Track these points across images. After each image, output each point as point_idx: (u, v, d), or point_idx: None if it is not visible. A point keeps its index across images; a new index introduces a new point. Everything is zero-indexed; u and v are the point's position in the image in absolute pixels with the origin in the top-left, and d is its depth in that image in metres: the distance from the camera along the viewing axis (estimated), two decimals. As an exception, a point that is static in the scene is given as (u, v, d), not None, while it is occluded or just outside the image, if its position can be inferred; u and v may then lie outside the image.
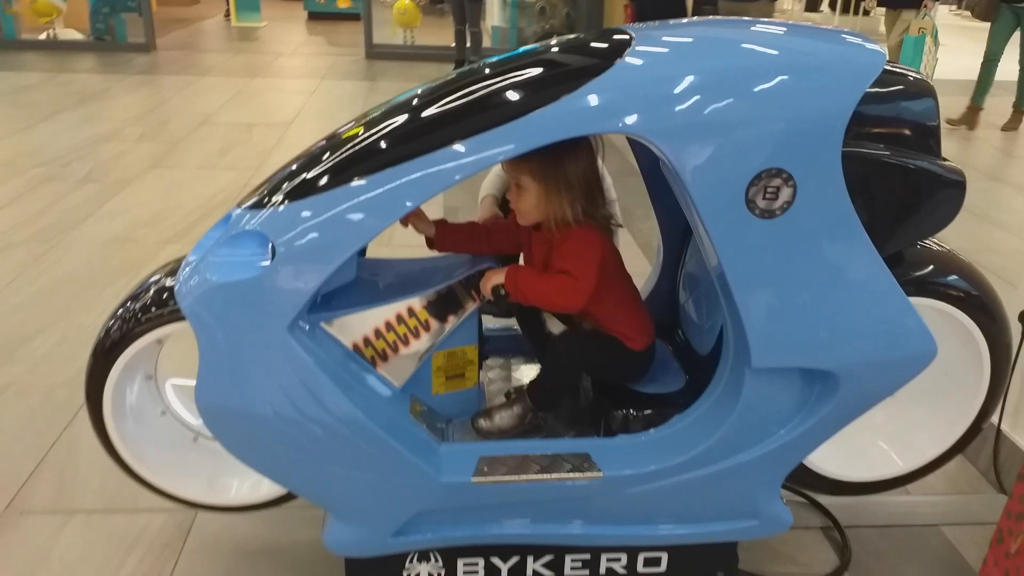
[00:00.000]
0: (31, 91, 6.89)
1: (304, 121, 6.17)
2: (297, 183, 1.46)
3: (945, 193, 1.58)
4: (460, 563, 1.79)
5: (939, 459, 1.92)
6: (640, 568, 1.82)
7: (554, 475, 1.63)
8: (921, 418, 1.95)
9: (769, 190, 1.43)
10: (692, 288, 1.95)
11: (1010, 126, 6.50)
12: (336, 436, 1.52)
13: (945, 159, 1.61)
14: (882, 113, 1.56)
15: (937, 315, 1.77)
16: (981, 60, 6.42)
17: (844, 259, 1.50)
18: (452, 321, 1.71)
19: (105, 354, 1.67)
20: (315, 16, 11.91)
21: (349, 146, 1.47)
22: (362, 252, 1.71)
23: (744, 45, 1.49)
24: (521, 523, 1.72)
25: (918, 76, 1.62)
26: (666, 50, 1.49)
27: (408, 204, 1.43)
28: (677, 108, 1.40)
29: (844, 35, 1.57)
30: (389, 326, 1.66)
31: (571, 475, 1.63)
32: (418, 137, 1.44)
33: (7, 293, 3.26)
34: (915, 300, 1.70)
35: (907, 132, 1.56)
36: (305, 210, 1.43)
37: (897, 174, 1.53)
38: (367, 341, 1.65)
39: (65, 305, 3.13)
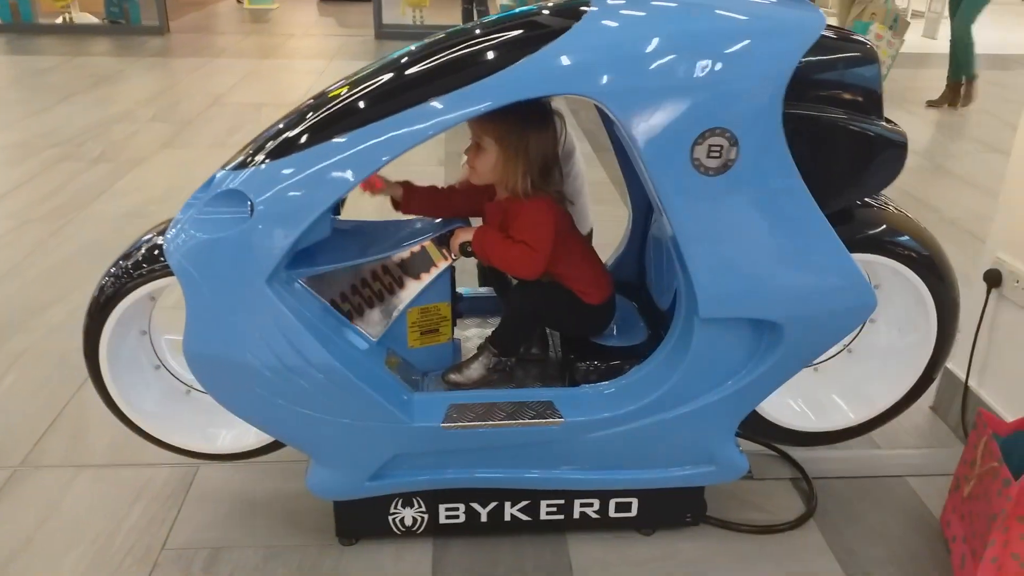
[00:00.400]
0: (48, 74, 7.06)
1: (312, 100, 6.26)
2: (278, 143, 1.57)
3: (887, 153, 1.66)
4: (442, 508, 1.90)
5: (891, 410, 2.01)
6: (612, 513, 1.94)
7: (518, 421, 1.74)
8: (873, 371, 2.04)
9: (713, 149, 1.52)
10: (655, 249, 2.05)
11: (939, 103, 6.31)
12: (313, 383, 1.64)
13: (889, 120, 1.69)
14: (825, 75, 1.64)
15: (888, 272, 1.86)
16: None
17: (785, 215, 1.58)
18: (424, 278, 1.82)
19: (99, 310, 1.80)
20: (328, -2, 11.99)
21: (330, 105, 1.58)
22: (336, 212, 1.81)
23: (689, 11, 1.57)
24: (492, 468, 1.84)
25: (862, 41, 1.69)
26: (617, 17, 1.57)
27: (384, 159, 1.53)
28: (624, 71, 1.50)
29: (787, 1, 1.64)
30: (364, 282, 1.78)
31: (534, 421, 1.74)
32: (391, 96, 1.54)
33: (24, 266, 3.41)
34: (866, 257, 1.80)
35: (849, 94, 1.64)
36: (284, 168, 1.55)
37: (838, 134, 1.61)
38: (344, 296, 1.77)
39: (78, 277, 3.28)
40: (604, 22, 1.55)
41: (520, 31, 1.58)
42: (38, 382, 2.60)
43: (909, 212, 1.93)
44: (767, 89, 1.51)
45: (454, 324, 1.94)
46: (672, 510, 1.96)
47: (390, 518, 1.90)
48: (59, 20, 9.04)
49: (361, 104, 1.55)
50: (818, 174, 1.60)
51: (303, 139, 1.55)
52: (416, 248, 1.80)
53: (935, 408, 2.51)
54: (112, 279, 1.80)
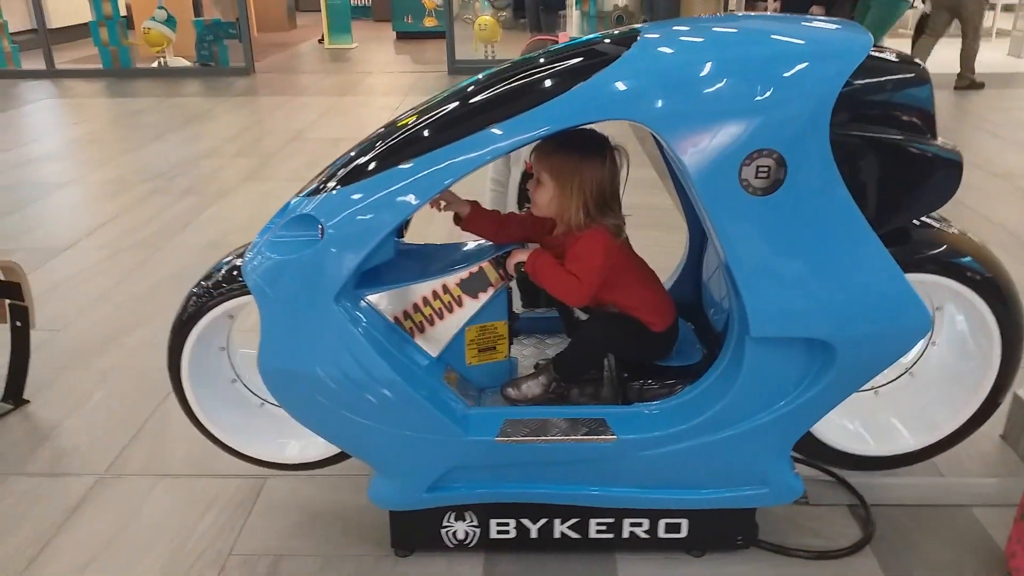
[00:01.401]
0: (143, 114, 7.51)
1: (386, 135, 6.48)
2: (348, 170, 1.68)
3: (941, 173, 1.66)
4: (492, 523, 1.95)
5: (953, 435, 1.97)
6: (661, 533, 1.95)
7: (571, 437, 1.78)
8: (935, 395, 2.00)
9: (761, 169, 1.55)
10: (711, 270, 2.07)
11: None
12: (375, 396, 1.72)
13: (941, 140, 1.69)
14: (877, 96, 1.65)
15: (949, 293, 1.84)
16: None
17: (836, 234, 1.60)
18: (482, 298, 1.89)
19: (182, 327, 1.93)
20: (403, 36, 12.40)
21: (397, 134, 1.68)
22: (400, 235, 1.91)
23: (734, 35, 1.62)
24: (544, 484, 1.88)
25: (915, 62, 1.71)
26: (664, 43, 1.64)
27: (447, 182, 1.62)
28: (669, 96, 1.55)
29: (831, 23, 1.67)
30: (426, 301, 1.86)
31: (587, 438, 1.78)
32: (453, 124, 1.64)
33: (115, 292, 3.63)
34: (926, 277, 1.79)
35: (902, 114, 1.65)
36: (353, 194, 1.65)
37: (890, 154, 1.63)
38: (406, 314, 1.85)
39: (163, 302, 3.47)
40: (652, 49, 1.61)
41: (577, 59, 1.65)
42: (123, 397, 2.77)
43: (974, 233, 1.91)
44: (812, 110, 1.54)
45: (511, 343, 2.00)
46: (723, 532, 1.96)
47: (443, 531, 1.96)
48: (155, 64, 9.60)
49: (425, 132, 1.65)
50: (871, 194, 1.62)
51: (371, 166, 1.65)
52: (475, 268, 1.87)
53: (1005, 436, 2.43)
54: (194, 298, 1.93)
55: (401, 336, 1.84)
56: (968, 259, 1.83)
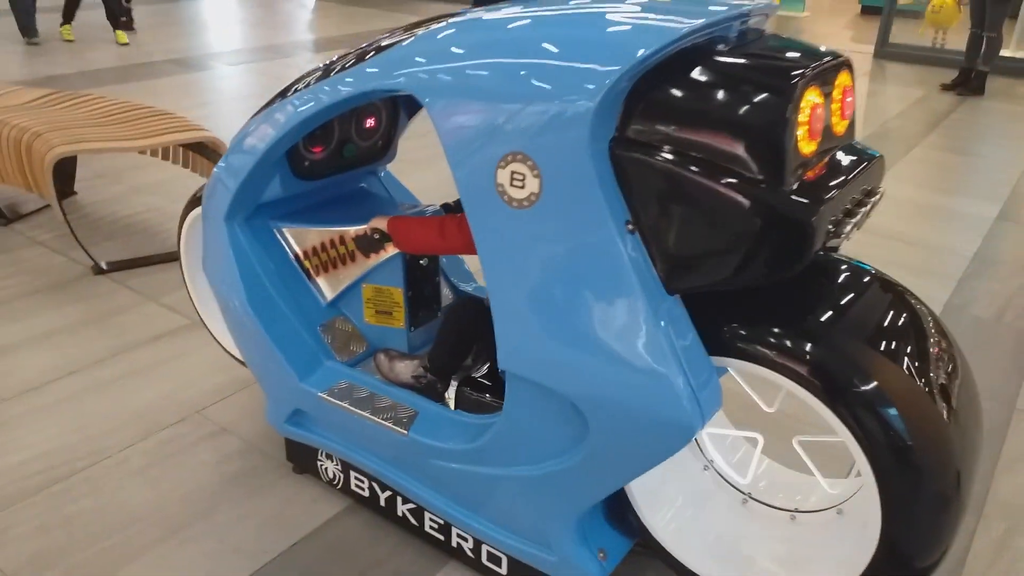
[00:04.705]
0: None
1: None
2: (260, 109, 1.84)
3: (773, 232, 1.19)
4: (352, 475, 2.00)
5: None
6: (484, 560, 1.79)
7: (369, 415, 1.74)
8: (818, 544, 1.46)
9: (516, 176, 1.31)
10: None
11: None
12: (234, 318, 1.90)
13: (788, 183, 1.20)
14: (683, 112, 1.24)
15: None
16: None
17: (591, 275, 1.29)
18: (374, 259, 1.90)
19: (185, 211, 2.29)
20: (868, 10, 11.18)
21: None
22: (311, 172, 1.97)
23: (513, 21, 1.37)
24: (374, 456, 1.86)
25: (782, 64, 1.23)
26: (453, 25, 1.48)
27: (294, 123, 1.66)
28: (437, 72, 1.39)
29: (640, 12, 1.31)
30: (324, 247, 1.94)
31: (381, 421, 1.72)
32: (310, 75, 1.70)
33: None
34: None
35: (723, 141, 1.21)
36: (245, 128, 1.80)
37: (687, 191, 1.22)
38: (307, 254, 1.96)
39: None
40: (442, 30, 1.48)
41: (396, 37, 1.59)
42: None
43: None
44: (571, 117, 1.24)
45: (410, 314, 1.96)
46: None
47: (318, 464, 2.06)
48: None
49: (294, 85, 1.73)
50: (662, 239, 1.26)
51: (263, 107, 1.79)
52: (371, 229, 1.88)
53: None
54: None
55: (292, 272, 1.95)
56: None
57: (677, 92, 1.25)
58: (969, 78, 6.78)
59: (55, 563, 1.86)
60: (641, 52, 1.20)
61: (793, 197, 1.20)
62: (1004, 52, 7.66)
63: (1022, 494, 2.17)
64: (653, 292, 1.27)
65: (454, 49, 1.39)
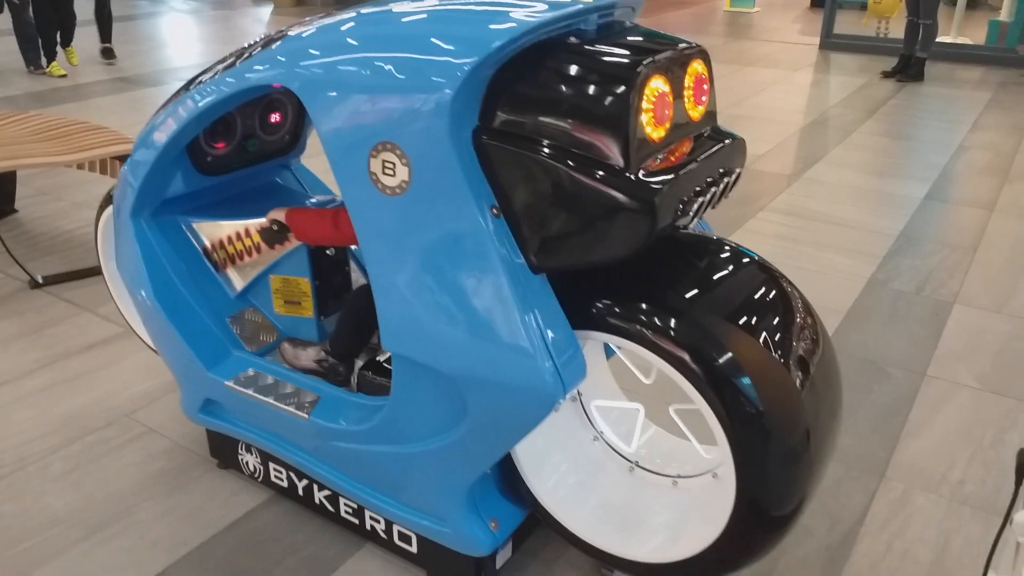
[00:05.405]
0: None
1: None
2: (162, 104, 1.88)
3: (619, 212, 1.27)
4: (271, 466, 2.04)
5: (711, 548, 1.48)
6: (396, 540, 1.84)
7: (273, 401, 1.78)
8: (696, 506, 1.52)
9: (387, 165, 1.37)
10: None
11: None
12: (143, 311, 1.93)
13: (634, 166, 1.27)
14: (537, 100, 1.32)
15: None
16: None
17: (461, 258, 1.36)
18: (279, 250, 1.94)
19: (100, 210, 2.32)
20: (818, 4, 11.36)
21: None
22: (216, 168, 2.01)
23: (377, 15, 1.44)
24: (285, 443, 1.90)
25: (629, 54, 1.30)
26: (319, 22, 1.55)
27: (192, 115, 1.71)
28: (310, 68, 1.44)
29: (498, 7, 1.37)
30: (231, 239, 1.98)
31: (284, 406, 1.76)
32: (206, 72, 1.74)
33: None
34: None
35: (572, 128, 1.29)
36: (151, 123, 1.84)
37: (543, 176, 1.30)
38: (214, 247, 2.00)
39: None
40: (308, 27, 1.54)
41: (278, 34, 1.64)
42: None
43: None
44: (432, 107, 1.31)
45: (318, 303, 2.01)
46: (453, 566, 1.76)
47: (239, 458, 2.10)
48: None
49: (195, 79, 1.77)
50: (524, 222, 1.33)
51: (164, 103, 1.83)
52: (274, 221, 1.93)
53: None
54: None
55: (199, 265, 1.99)
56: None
57: (532, 83, 1.32)
58: (908, 65, 6.94)
59: (-28, 566, 1.88)
60: (496, 44, 1.27)
61: (637, 178, 1.27)
62: (944, 39, 7.85)
63: (924, 457, 2.25)
64: (517, 273, 1.33)
65: (326, 44, 1.45)
